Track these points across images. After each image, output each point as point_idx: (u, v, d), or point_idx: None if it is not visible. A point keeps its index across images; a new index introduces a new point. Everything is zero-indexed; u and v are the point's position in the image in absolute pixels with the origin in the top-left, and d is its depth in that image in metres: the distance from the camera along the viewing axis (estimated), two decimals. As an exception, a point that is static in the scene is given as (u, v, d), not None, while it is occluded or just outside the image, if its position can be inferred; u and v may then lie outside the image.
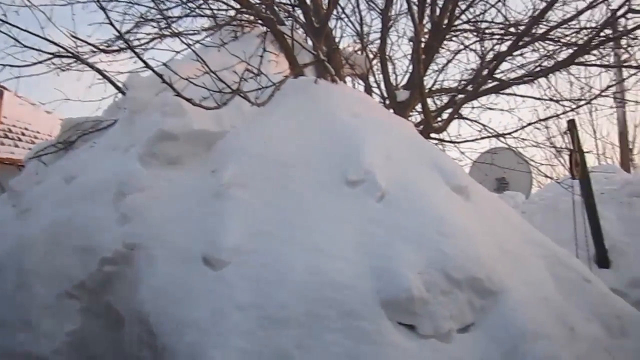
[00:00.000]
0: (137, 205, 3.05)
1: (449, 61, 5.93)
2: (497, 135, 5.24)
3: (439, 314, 2.42)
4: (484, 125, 5.46)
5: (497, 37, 5.46)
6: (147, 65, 3.18)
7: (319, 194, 2.92)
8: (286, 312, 2.39)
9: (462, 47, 5.78)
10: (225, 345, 2.31)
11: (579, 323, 2.73)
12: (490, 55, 5.38)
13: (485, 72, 5.09)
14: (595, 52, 4.87)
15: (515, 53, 5.15)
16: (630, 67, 5.15)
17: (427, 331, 2.39)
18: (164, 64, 3.21)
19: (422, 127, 4.75)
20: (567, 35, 5.02)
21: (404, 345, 2.33)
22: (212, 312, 2.44)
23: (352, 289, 2.44)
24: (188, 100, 3.03)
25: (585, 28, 4.90)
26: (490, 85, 5.12)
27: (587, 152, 5.37)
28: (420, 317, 2.41)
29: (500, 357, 2.32)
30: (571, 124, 5.14)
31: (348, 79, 5.21)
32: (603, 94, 5.33)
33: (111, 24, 3.36)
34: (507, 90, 5.35)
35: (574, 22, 4.87)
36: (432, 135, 4.86)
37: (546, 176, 6.71)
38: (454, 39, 5.72)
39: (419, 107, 5.02)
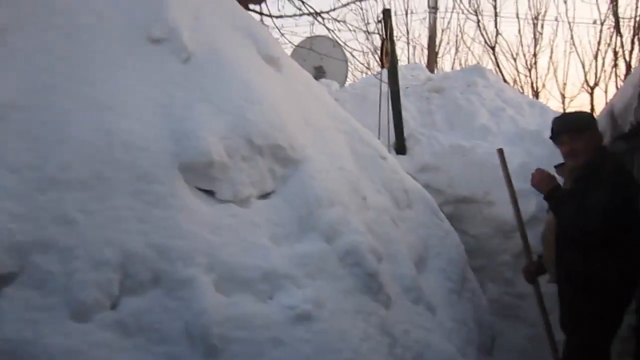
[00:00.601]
0: None
1: None
2: (315, 14, 5.19)
3: (238, 180, 2.36)
4: (303, 2, 5.37)
5: None
6: None
7: (116, 49, 2.56)
8: (69, 173, 2.12)
9: None
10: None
11: (371, 194, 2.89)
12: None
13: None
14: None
15: None
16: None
17: (226, 196, 2.32)
18: None
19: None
20: None
21: (200, 209, 2.24)
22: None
23: (147, 151, 2.24)
24: None
25: None
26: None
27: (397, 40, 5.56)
28: (219, 182, 2.32)
29: (297, 221, 2.37)
30: (386, 13, 5.28)
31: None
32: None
33: None
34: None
35: None
36: (251, 7, 4.63)
37: (362, 64, 6.90)
38: None
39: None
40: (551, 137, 3.38)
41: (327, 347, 1.97)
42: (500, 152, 3.76)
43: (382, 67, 4.93)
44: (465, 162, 5.28)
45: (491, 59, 11.30)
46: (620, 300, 3.14)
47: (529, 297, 4.94)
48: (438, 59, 12.17)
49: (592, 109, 9.19)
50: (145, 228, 2.08)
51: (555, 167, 3.51)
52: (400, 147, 5.62)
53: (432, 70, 7.47)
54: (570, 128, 3.23)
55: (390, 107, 5.48)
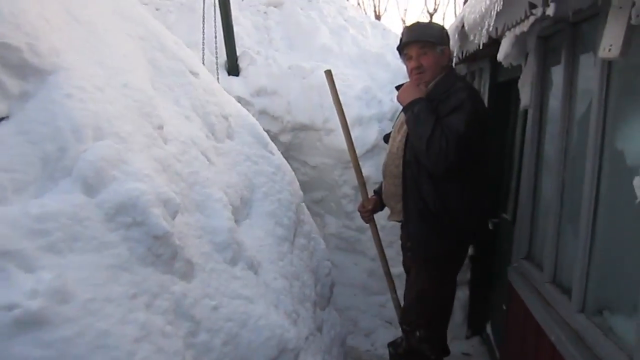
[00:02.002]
0: None
1: None
2: None
3: None
4: None
5: None
6: None
7: None
8: None
9: None
10: None
11: (173, 121, 2.11)
12: None
13: None
14: None
15: None
16: None
17: None
18: None
19: None
20: None
21: None
22: None
23: None
24: None
25: None
26: None
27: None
28: None
29: (39, 162, 1.51)
30: None
31: None
32: None
33: None
34: None
35: None
36: None
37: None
38: None
39: None
40: (398, 48, 2.85)
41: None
42: (329, 74, 3.16)
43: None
44: (304, 85, 4.65)
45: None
46: (469, 235, 2.85)
47: (368, 230, 4.62)
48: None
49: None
50: None
51: (397, 87, 3.02)
52: (232, 67, 4.80)
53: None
54: (422, 39, 2.71)
55: (220, 21, 4.60)
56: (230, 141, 2.51)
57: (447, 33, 2.89)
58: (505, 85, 3.78)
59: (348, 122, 4.42)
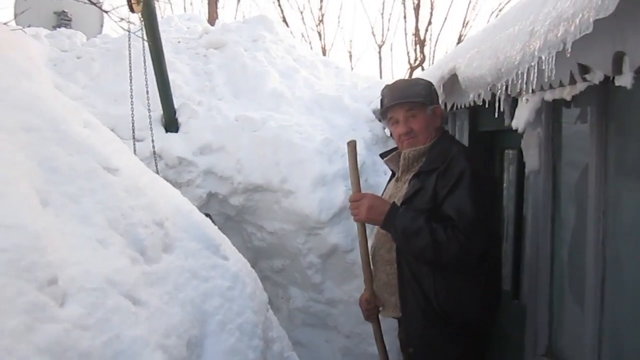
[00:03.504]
0: None
1: None
2: None
3: None
4: None
5: None
6: None
7: None
8: None
9: None
10: None
11: (77, 255, 1.39)
12: None
13: None
14: None
15: None
16: None
17: None
18: None
19: None
20: None
21: None
22: None
23: None
24: None
25: None
26: None
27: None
28: None
29: None
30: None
31: None
32: None
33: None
34: None
35: None
36: None
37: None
38: None
39: None
40: (381, 113, 2.26)
41: None
42: (352, 145, 2.34)
43: (132, 11, 3.29)
44: (255, 139, 3.97)
45: (277, 10, 10.06)
46: (485, 335, 2.25)
47: (340, 303, 3.97)
48: (219, 10, 10.56)
49: (380, 69, 8.61)
50: None
51: (382, 155, 2.43)
52: (169, 122, 4.06)
53: (212, 24, 5.92)
54: (410, 100, 2.12)
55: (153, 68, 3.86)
56: (168, 256, 1.79)
57: (435, 90, 2.31)
58: (486, 136, 3.26)
59: (309, 182, 3.80)
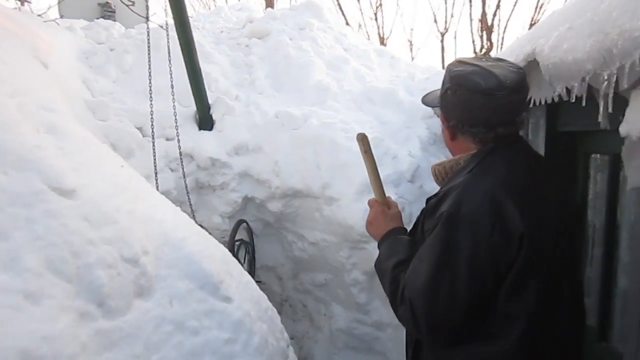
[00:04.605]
0: None
1: None
2: None
3: None
4: None
5: None
6: None
7: None
8: None
9: None
10: None
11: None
12: None
13: None
14: None
15: None
16: None
17: None
18: None
19: None
20: None
21: None
22: None
23: None
24: None
25: None
26: None
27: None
28: None
29: None
30: None
31: None
32: None
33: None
34: None
35: None
36: None
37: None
38: None
39: None
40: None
41: None
42: (363, 138, 1.69)
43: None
44: (295, 138, 3.49)
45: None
46: None
47: (389, 327, 3.45)
48: (276, -2, 10.12)
49: (443, 59, 7.91)
50: None
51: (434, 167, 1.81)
52: (203, 119, 3.66)
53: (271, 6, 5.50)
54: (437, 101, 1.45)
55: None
56: (143, 303, 1.34)
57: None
58: (567, 137, 2.62)
59: (354, 189, 3.29)
